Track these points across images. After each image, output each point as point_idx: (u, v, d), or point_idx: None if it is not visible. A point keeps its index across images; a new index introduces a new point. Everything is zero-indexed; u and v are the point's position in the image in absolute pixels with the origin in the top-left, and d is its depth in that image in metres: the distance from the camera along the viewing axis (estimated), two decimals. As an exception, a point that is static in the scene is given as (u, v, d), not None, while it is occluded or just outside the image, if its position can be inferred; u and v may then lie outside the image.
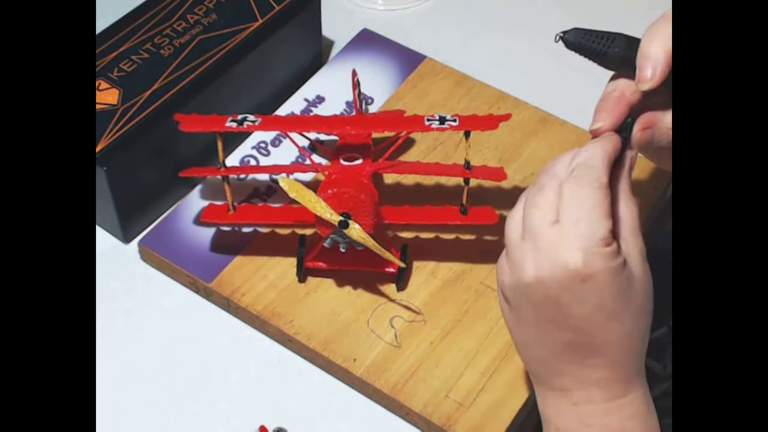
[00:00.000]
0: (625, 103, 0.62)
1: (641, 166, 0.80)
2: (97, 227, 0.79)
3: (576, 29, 0.62)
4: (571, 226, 0.55)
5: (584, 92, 0.89)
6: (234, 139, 0.80)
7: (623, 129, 0.61)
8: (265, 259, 0.75)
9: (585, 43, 0.62)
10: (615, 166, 0.59)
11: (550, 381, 0.59)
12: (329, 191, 0.67)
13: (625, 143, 0.61)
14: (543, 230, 0.56)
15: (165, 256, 0.75)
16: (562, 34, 0.62)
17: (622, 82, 0.63)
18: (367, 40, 0.89)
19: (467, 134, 0.70)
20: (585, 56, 0.63)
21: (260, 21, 0.82)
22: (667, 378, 0.81)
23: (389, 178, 0.79)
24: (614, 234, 0.56)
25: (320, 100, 0.85)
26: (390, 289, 0.73)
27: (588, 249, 0.54)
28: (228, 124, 0.71)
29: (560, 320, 0.57)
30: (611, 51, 0.61)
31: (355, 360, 0.70)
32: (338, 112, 0.84)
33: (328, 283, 0.74)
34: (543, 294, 0.56)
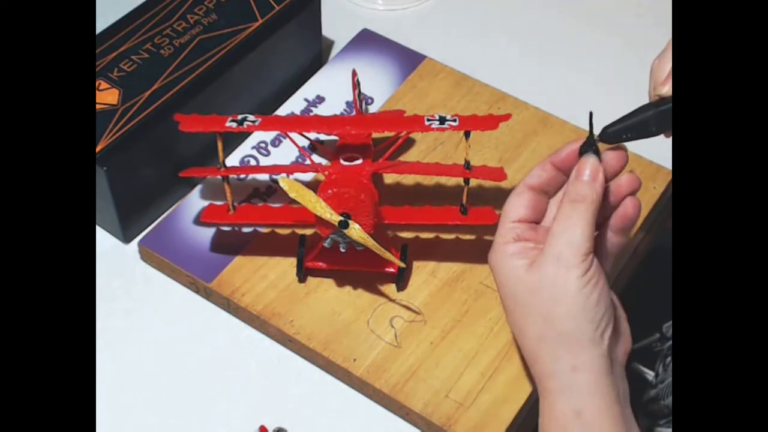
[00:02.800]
0: None
1: (641, 166, 0.80)
2: (97, 227, 0.79)
3: (609, 129, 0.62)
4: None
5: (584, 92, 0.90)
6: (234, 139, 0.80)
7: (587, 143, 0.62)
8: (265, 259, 0.75)
9: (623, 135, 0.63)
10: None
11: None
12: (329, 191, 0.67)
13: (591, 146, 0.62)
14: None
15: (165, 256, 0.75)
16: (598, 139, 0.62)
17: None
18: (367, 40, 0.89)
19: (467, 134, 0.70)
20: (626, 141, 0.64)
21: (260, 21, 0.82)
22: (657, 384, 0.81)
23: (389, 178, 0.79)
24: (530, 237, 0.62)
25: (320, 100, 0.85)
26: (390, 289, 0.73)
27: (492, 248, 0.63)
28: (228, 124, 0.71)
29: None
30: (651, 130, 0.62)
31: (355, 360, 0.70)
32: (338, 112, 0.84)
33: (328, 283, 0.74)
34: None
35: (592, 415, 0.58)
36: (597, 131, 0.62)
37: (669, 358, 0.81)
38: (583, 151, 0.62)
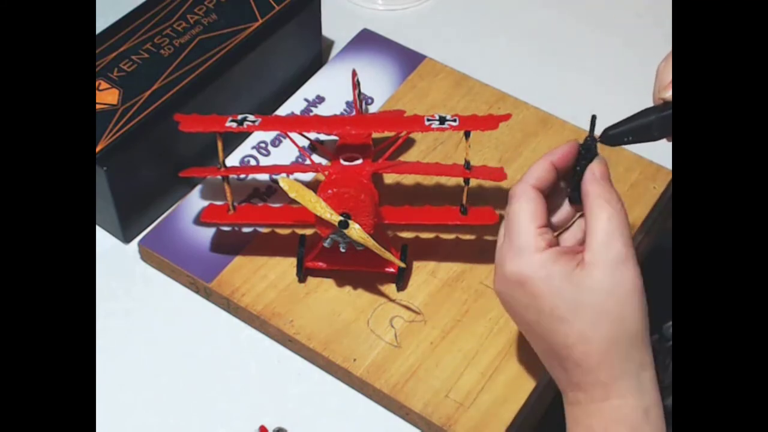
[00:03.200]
0: None
1: (641, 166, 0.80)
2: (97, 227, 0.79)
3: (609, 131, 0.62)
4: (506, 240, 0.61)
5: (584, 92, 0.90)
6: (234, 139, 0.80)
7: (586, 140, 0.62)
8: (265, 259, 0.75)
9: (625, 138, 0.62)
10: (584, 175, 0.61)
11: (557, 384, 0.62)
12: (329, 191, 0.67)
13: (591, 149, 0.61)
14: (498, 249, 0.62)
15: (165, 256, 0.75)
16: (599, 140, 0.62)
17: None
18: (367, 40, 0.89)
19: (467, 134, 0.70)
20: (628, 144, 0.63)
21: (260, 21, 0.82)
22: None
23: (389, 178, 0.79)
24: (554, 238, 0.60)
25: (320, 100, 0.85)
26: (390, 289, 0.73)
27: (516, 257, 0.59)
28: (228, 124, 0.71)
29: (528, 328, 0.61)
30: (653, 135, 0.62)
31: (355, 360, 0.70)
32: (338, 112, 0.84)
33: (328, 283, 0.74)
34: (507, 306, 0.62)
35: (656, 413, 0.58)
36: (597, 133, 0.62)
37: (668, 359, 0.81)
38: (585, 151, 0.61)
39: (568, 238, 0.64)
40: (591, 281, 0.58)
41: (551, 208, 0.63)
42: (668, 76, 0.61)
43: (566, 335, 0.59)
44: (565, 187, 0.64)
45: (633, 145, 0.62)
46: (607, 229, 0.58)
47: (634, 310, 0.58)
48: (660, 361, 0.81)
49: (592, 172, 0.61)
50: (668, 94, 0.60)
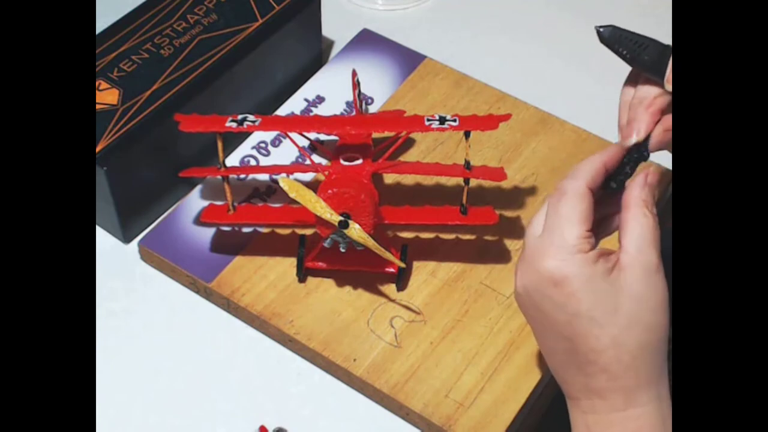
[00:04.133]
0: (656, 109, 0.62)
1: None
2: (97, 227, 0.79)
3: (613, 28, 0.62)
4: (547, 235, 0.58)
5: (584, 92, 0.90)
6: (234, 139, 0.80)
7: (643, 143, 0.62)
8: (265, 259, 0.75)
9: (619, 43, 0.62)
10: (630, 179, 0.60)
11: (565, 389, 0.60)
12: (329, 191, 0.67)
13: (640, 155, 0.61)
14: (528, 242, 0.59)
15: (165, 256, 0.75)
16: (600, 28, 0.62)
17: (643, 89, 0.62)
18: (367, 40, 0.89)
19: (467, 134, 0.70)
20: (616, 54, 0.62)
21: (260, 21, 0.82)
22: None
23: (389, 178, 0.80)
24: (595, 241, 0.58)
25: (320, 100, 0.85)
26: (390, 289, 0.73)
27: (559, 255, 0.57)
28: (228, 124, 0.71)
29: (551, 329, 0.58)
30: (642, 57, 0.61)
31: (355, 360, 0.70)
32: (338, 112, 0.84)
33: (328, 283, 0.74)
34: (530, 302, 0.59)
35: (669, 422, 0.57)
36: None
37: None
38: (638, 155, 0.61)
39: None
40: (627, 286, 0.57)
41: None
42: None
43: (597, 338, 0.57)
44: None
45: (652, 147, 0.62)
46: (645, 235, 0.57)
47: (663, 319, 0.57)
48: None
49: (645, 177, 0.59)
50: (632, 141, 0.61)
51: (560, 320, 0.58)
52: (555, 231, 0.57)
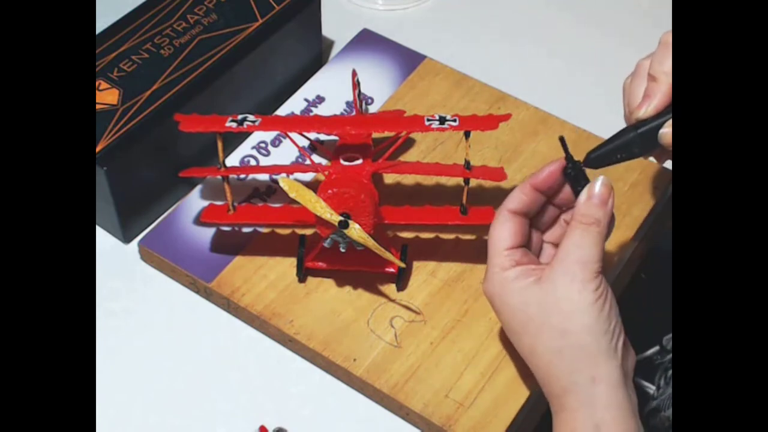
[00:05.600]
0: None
1: (641, 166, 0.80)
2: (97, 227, 0.79)
3: (595, 156, 0.64)
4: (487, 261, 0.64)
5: (584, 92, 0.90)
6: (234, 139, 0.80)
7: (569, 161, 0.64)
8: (265, 259, 0.75)
9: (608, 160, 0.64)
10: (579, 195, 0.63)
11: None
12: (329, 191, 0.67)
13: (577, 174, 0.63)
14: None
15: (165, 256, 0.75)
16: (585, 163, 0.64)
17: (666, 64, 0.63)
18: (367, 40, 0.89)
19: (467, 134, 0.70)
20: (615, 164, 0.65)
21: (260, 21, 0.82)
22: (657, 396, 0.80)
23: (389, 178, 0.79)
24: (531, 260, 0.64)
25: (320, 100, 0.85)
26: (390, 289, 0.73)
27: (487, 276, 0.64)
28: (228, 124, 0.71)
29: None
30: (634, 151, 0.64)
31: (355, 360, 0.70)
32: (338, 112, 0.84)
33: (328, 283, 0.74)
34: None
35: (609, 428, 0.58)
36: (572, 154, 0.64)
37: (670, 371, 0.81)
38: (567, 173, 0.63)
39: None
40: (538, 295, 0.60)
41: (546, 222, 0.66)
42: (637, 97, 0.63)
43: (521, 348, 0.63)
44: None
45: (663, 142, 0.63)
46: (568, 247, 0.61)
47: (583, 325, 0.59)
48: (661, 374, 0.81)
49: (588, 192, 0.62)
50: (641, 113, 0.63)
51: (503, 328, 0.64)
52: (489, 254, 0.64)
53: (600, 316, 0.59)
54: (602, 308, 0.59)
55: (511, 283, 0.62)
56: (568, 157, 0.64)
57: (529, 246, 0.65)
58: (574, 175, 0.63)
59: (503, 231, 0.64)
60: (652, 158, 0.69)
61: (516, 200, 0.64)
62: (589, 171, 0.64)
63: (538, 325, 0.61)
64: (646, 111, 0.63)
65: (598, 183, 0.62)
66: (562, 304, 0.60)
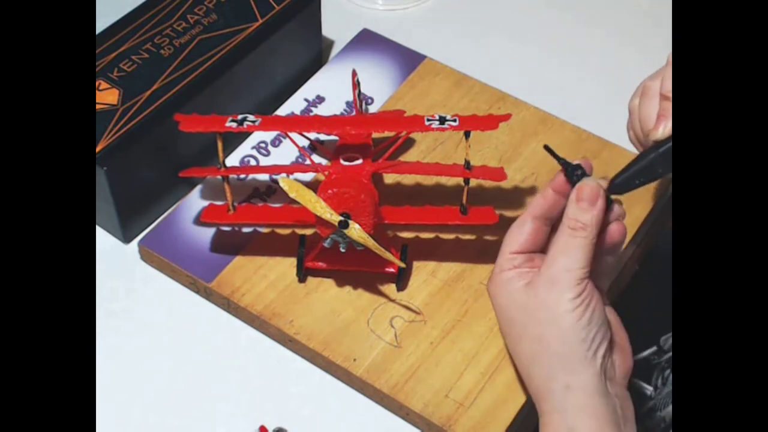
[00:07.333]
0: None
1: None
2: (97, 227, 0.79)
3: (621, 181, 0.63)
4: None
5: (584, 92, 0.90)
6: (234, 139, 0.80)
7: (569, 170, 0.63)
8: (265, 259, 0.75)
9: (632, 185, 0.64)
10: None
11: None
12: (329, 191, 0.67)
13: (573, 177, 0.63)
14: None
15: (165, 256, 0.75)
16: (608, 191, 0.63)
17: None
18: (367, 40, 0.89)
19: (467, 134, 0.70)
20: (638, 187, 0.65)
21: (260, 21, 0.82)
22: (654, 397, 0.80)
23: (389, 178, 0.79)
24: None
25: (320, 100, 0.85)
26: (390, 289, 0.73)
27: (492, 272, 0.64)
28: (228, 124, 0.71)
29: None
30: (658, 171, 0.63)
31: (355, 360, 0.70)
32: (338, 112, 0.84)
33: (328, 283, 0.74)
34: None
35: None
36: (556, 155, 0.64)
37: (668, 371, 0.81)
38: (569, 177, 0.63)
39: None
40: (523, 299, 0.61)
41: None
42: (650, 120, 0.63)
43: (509, 349, 0.64)
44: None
45: (633, 147, 0.63)
46: (554, 254, 0.61)
47: (561, 332, 0.59)
48: (658, 374, 0.81)
49: (576, 195, 0.61)
50: (658, 134, 0.62)
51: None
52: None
53: (578, 324, 0.59)
54: (581, 316, 0.59)
55: (505, 284, 0.62)
56: (562, 162, 0.63)
57: (545, 251, 0.64)
58: (572, 180, 0.63)
59: (513, 234, 0.64)
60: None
61: (535, 204, 0.64)
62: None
63: (519, 329, 0.61)
64: (663, 131, 0.62)
65: (586, 186, 0.61)
66: (540, 310, 0.60)
